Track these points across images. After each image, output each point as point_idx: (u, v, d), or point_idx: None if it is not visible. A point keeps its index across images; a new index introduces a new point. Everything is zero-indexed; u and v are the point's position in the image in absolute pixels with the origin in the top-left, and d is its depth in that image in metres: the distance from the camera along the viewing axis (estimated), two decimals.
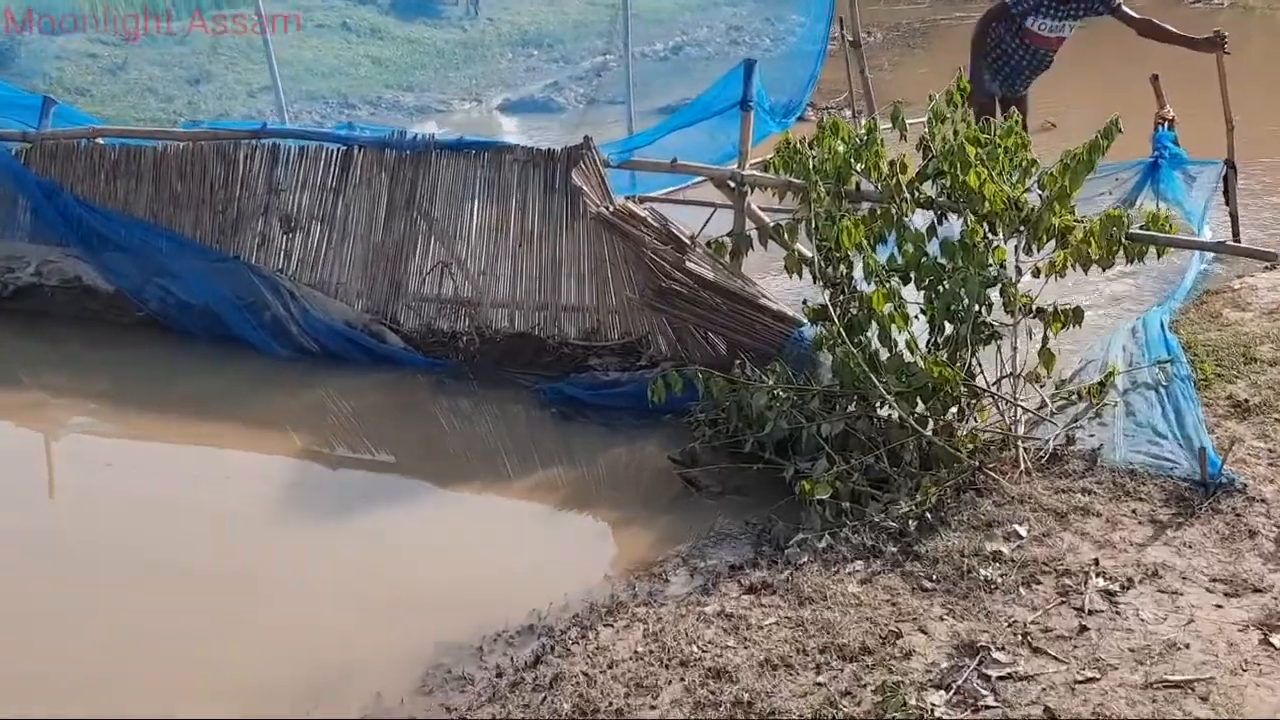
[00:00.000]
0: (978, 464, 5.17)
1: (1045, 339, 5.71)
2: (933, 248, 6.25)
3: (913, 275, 6.20)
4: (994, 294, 6.00)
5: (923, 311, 6.18)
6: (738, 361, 6.61)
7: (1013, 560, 4.52)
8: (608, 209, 6.96)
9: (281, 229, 8.75)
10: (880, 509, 5.23)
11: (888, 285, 5.81)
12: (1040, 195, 6.11)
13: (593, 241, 7.60)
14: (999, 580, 4.37)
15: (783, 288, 7.71)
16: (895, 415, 5.74)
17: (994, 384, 5.76)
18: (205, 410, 7.51)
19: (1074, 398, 5.78)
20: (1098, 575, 4.31)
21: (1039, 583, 4.35)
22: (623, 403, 7.16)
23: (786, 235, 6.80)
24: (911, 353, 5.76)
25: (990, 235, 6.13)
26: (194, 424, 7.40)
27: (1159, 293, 7.76)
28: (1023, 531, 4.69)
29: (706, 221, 7.05)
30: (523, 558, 5.47)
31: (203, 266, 8.85)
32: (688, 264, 6.85)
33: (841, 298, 6.43)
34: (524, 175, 7.90)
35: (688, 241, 6.92)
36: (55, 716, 4.20)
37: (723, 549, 5.49)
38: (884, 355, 5.96)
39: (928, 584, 4.50)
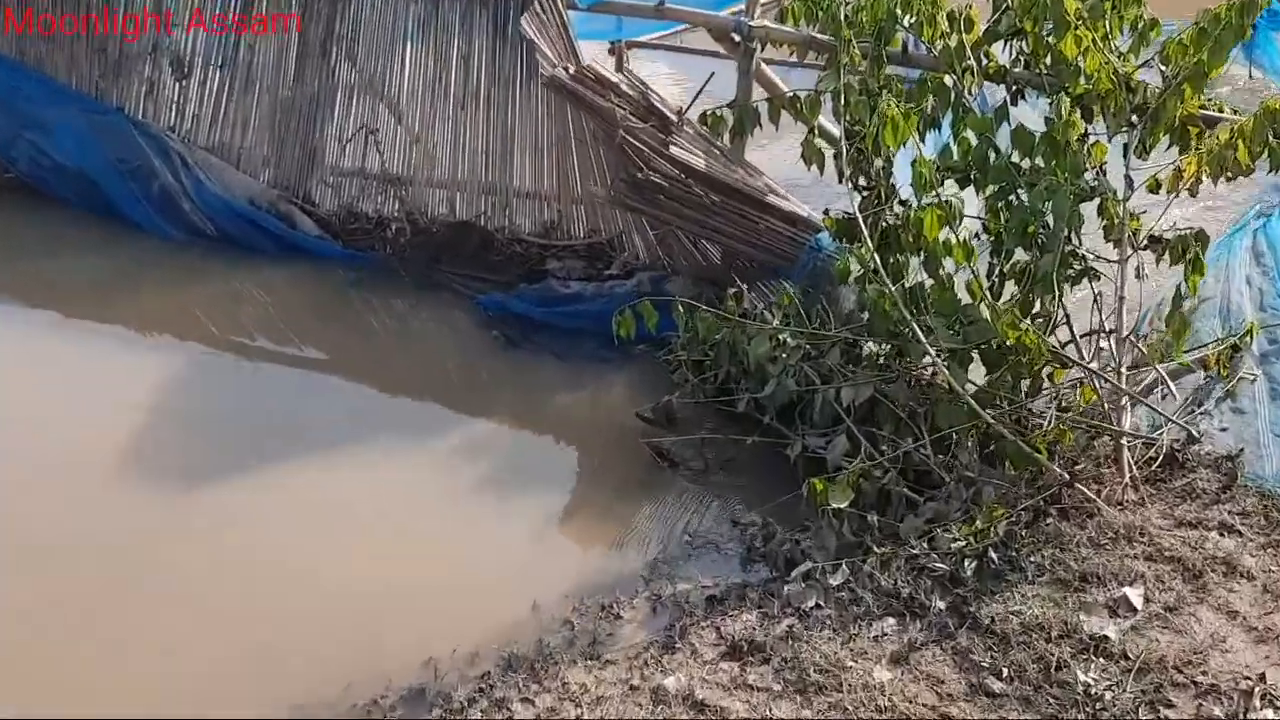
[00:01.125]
0: (1067, 476, 3.63)
1: (1178, 296, 4.05)
2: (1003, 139, 4.54)
3: (974, 177, 4.52)
4: (1089, 211, 4.34)
5: (985, 229, 4.52)
6: (733, 292, 4.98)
7: (1124, 655, 3.02)
8: (567, 70, 5.20)
9: (173, 74, 7.00)
10: (921, 528, 3.72)
11: (941, 198, 4.13)
12: (1163, 72, 4.34)
13: (553, 110, 5.86)
14: (1105, 695, 2.89)
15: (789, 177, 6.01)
16: (943, 380, 4.18)
17: (1089, 348, 4.16)
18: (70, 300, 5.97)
19: (1189, 366, 4.19)
20: (1264, 698, 2.82)
21: (1169, 702, 2.87)
22: (585, 324, 5.58)
23: (805, 110, 5.07)
24: (974, 299, 4.14)
25: (1088, 126, 4.41)
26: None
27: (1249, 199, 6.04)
28: (1137, 600, 3.19)
29: (701, 88, 5.31)
30: (429, 568, 4.01)
31: (81, 120, 7.14)
32: (673, 149, 5.13)
33: (876, 204, 4.76)
34: (468, 15, 6.10)
35: (673, 118, 5.18)
36: (56, 716, 3.37)
37: (700, 563, 4.03)
38: (930, 289, 4.34)
39: (994, 682, 3.03)
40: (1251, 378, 4.08)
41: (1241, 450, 3.75)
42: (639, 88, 5.23)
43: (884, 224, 4.74)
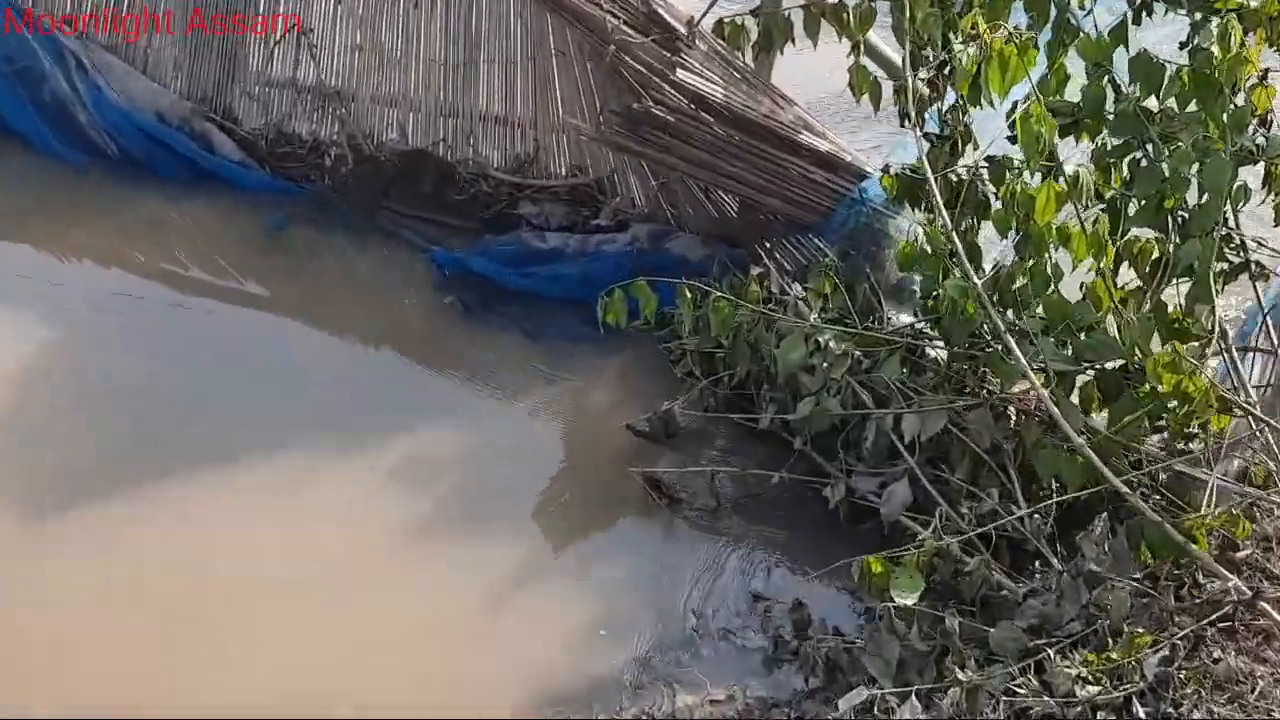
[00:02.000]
0: (1248, 592, 2.53)
1: None
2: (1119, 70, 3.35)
3: (1083, 123, 3.33)
4: (1249, 178, 3.16)
5: (1098, 194, 3.34)
6: (757, 273, 3.83)
7: None
8: None
9: None
10: (1022, 641, 2.64)
11: (1061, 168, 2.95)
12: None
13: (528, 15, 4.59)
14: None
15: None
16: (1043, 412, 3.07)
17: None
18: None
19: None
20: None
21: None
22: (564, 292, 4.42)
23: (855, 23, 3.83)
24: (1095, 303, 3.00)
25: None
26: None
27: None
28: None
29: None
30: (333, 658, 2.94)
31: None
32: (681, 73, 3.91)
33: (950, 155, 3.58)
34: None
35: (682, 30, 3.94)
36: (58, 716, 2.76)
37: (709, 660, 2.99)
38: (1030, 283, 3.19)
39: None
40: None
41: None
42: None
43: (965, 187, 3.58)
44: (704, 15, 4.01)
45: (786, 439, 3.54)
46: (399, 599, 3.15)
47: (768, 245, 4.46)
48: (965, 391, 3.36)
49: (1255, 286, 3.17)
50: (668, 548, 3.33)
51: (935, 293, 3.33)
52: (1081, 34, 3.38)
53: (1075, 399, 3.11)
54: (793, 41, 4.11)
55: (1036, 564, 2.95)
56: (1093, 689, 2.41)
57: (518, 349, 4.21)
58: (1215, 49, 3.04)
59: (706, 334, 3.71)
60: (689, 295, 3.52)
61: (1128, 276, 3.27)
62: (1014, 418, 3.24)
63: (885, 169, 3.69)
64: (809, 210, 4.26)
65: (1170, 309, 3.11)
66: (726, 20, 4.05)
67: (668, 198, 4.54)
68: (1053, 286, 3.08)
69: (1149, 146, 3.20)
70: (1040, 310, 3.13)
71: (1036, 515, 2.99)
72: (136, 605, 3.11)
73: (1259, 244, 3.17)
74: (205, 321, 4.43)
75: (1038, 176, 3.01)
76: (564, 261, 4.49)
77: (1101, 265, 2.92)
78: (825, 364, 3.29)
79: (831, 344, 3.33)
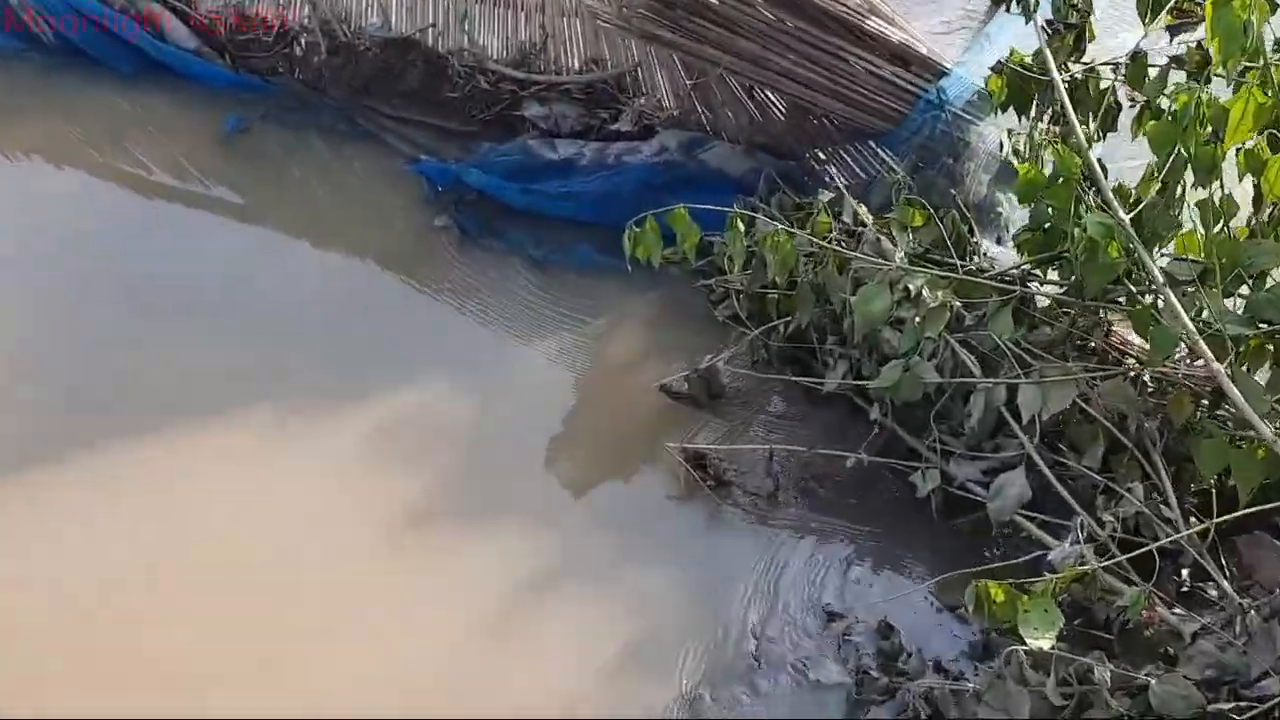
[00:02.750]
0: None
1: None
2: None
3: None
4: None
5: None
6: (828, 199, 3.09)
7: None
8: None
9: None
10: (1193, 699, 2.01)
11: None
12: None
13: None
14: None
15: None
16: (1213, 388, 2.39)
17: None
18: None
19: None
20: None
21: None
22: (578, 212, 3.70)
23: None
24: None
25: None
26: None
27: None
28: None
29: None
30: (315, 675, 2.33)
31: None
32: None
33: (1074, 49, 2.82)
34: None
35: None
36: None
37: (774, 699, 2.34)
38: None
39: None
40: None
41: None
42: None
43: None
44: None
45: (859, 405, 2.87)
46: (384, 618, 2.52)
47: (823, 158, 3.74)
48: (1093, 354, 2.68)
49: None
50: (716, 545, 2.67)
51: (1058, 228, 2.62)
52: None
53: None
54: None
55: (1191, 586, 2.31)
56: None
57: (524, 283, 3.49)
58: None
59: (760, 270, 3.00)
60: (739, 226, 2.80)
61: None
62: (1156, 391, 2.55)
63: (1000, 66, 2.92)
64: (875, 114, 3.52)
65: None
66: None
67: (703, 98, 3.78)
68: (1222, 223, 2.36)
69: None
70: (1200, 254, 2.42)
71: (1196, 521, 2.33)
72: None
73: None
74: (162, 244, 3.71)
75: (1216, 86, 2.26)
76: (578, 175, 3.75)
77: None
78: (917, 318, 2.59)
79: (925, 292, 2.62)
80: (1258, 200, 2.43)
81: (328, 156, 4.12)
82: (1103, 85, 2.78)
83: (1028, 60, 2.88)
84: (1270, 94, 2.16)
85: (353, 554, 2.67)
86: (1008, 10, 2.98)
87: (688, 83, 3.75)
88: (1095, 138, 2.83)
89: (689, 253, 2.82)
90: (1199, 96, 2.19)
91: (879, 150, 3.63)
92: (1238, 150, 2.25)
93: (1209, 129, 2.23)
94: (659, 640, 2.47)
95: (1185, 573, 2.38)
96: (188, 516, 2.75)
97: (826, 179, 3.72)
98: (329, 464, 2.89)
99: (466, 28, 4.18)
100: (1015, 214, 3.79)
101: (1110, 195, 2.39)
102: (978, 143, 3.63)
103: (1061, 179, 2.48)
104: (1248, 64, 2.16)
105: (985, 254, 3.06)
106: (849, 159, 3.73)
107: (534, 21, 4.07)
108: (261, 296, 3.47)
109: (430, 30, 4.21)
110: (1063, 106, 2.52)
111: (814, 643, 2.44)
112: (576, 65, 4.04)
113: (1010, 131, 3.50)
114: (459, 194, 3.79)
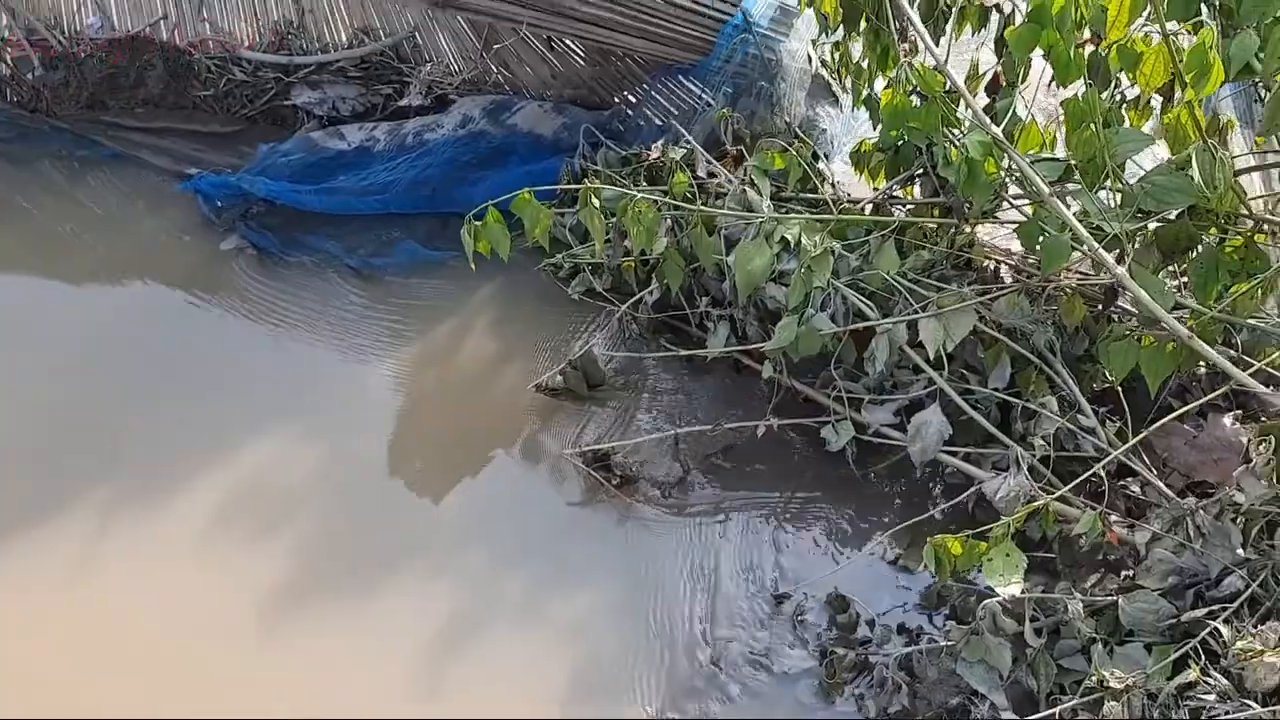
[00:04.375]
0: None
1: None
2: None
3: None
4: None
5: None
6: (680, 152, 2.87)
7: None
8: None
9: None
10: (1167, 613, 2.00)
11: None
12: None
13: None
14: None
15: None
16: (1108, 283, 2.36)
17: None
18: None
19: None
20: None
21: None
22: (387, 205, 3.34)
23: None
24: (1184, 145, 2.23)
25: None
26: None
27: None
28: None
29: None
30: None
31: None
32: None
33: None
34: None
35: None
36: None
37: (742, 697, 2.20)
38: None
39: None
40: None
41: None
42: None
43: None
44: None
45: (746, 365, 2.72)
46: (289, 708, 2.19)
47: (635, 100, 3.52)
48: (969, 268, 2.62)
49: None
50: (636, 550, 2.47)
51: (912, 147, 2.51)
52: None
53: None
54: None
55: (1126, 493, 2.30)
56: None
57: (348, 297, 3.13)
58: None
59: (619, 243, 2.77)
60: (594, 202, 2.54)
61: None
62: (1044, 298, 2.51)
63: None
64: (682, 46, 3.33)
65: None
66: None
67: (497, 57, 3.46)
68: (1090, 123, 2.30)
69: None
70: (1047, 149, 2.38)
71: (1112, 424, 2.32)
72: None
73: None
74: None
75: None
76: (377, 163, 3.38)
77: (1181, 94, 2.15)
78: (802, 268, 2.43)
79: (804, 240, 2.46)
80: None
81: (69, 189, 3.56)
82: None
83: None
84: None
85: (228, 646, 2.32)
86: None
87: (471, 33, 3.42)
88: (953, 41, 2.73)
89: (541, 239, 2.55)
90: None
91: (692, 84, 3.45)
92: (1111, 46, 2.18)
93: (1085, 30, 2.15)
94: (603, 670, 2.27)
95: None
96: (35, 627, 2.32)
97: (642, 123, 3.53)
98: (179, 549, 2.50)
99: (205, 14, 3.68)
100: (836, 128, 3.71)
101: (981, 112, 2.29)
102: (788, 61, 3.50)
103: (926, 101, 2.36)
104: None
105: (837, 183, 2.95)
106: (662, 98, 3.54)
107: None
108: (40, 363, 2.97)
109: (162, 23, 3.68)
110: (911, 20, 2.38)
111: (768, 632, 2.30)
112: (344, 39, 3.63)
113: (815, 42, 3.39)
114: (244, 207, 3.36)
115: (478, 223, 2.55)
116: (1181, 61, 2.06)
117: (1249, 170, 2.44)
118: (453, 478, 2.65)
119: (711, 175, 2.82)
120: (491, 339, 2.96)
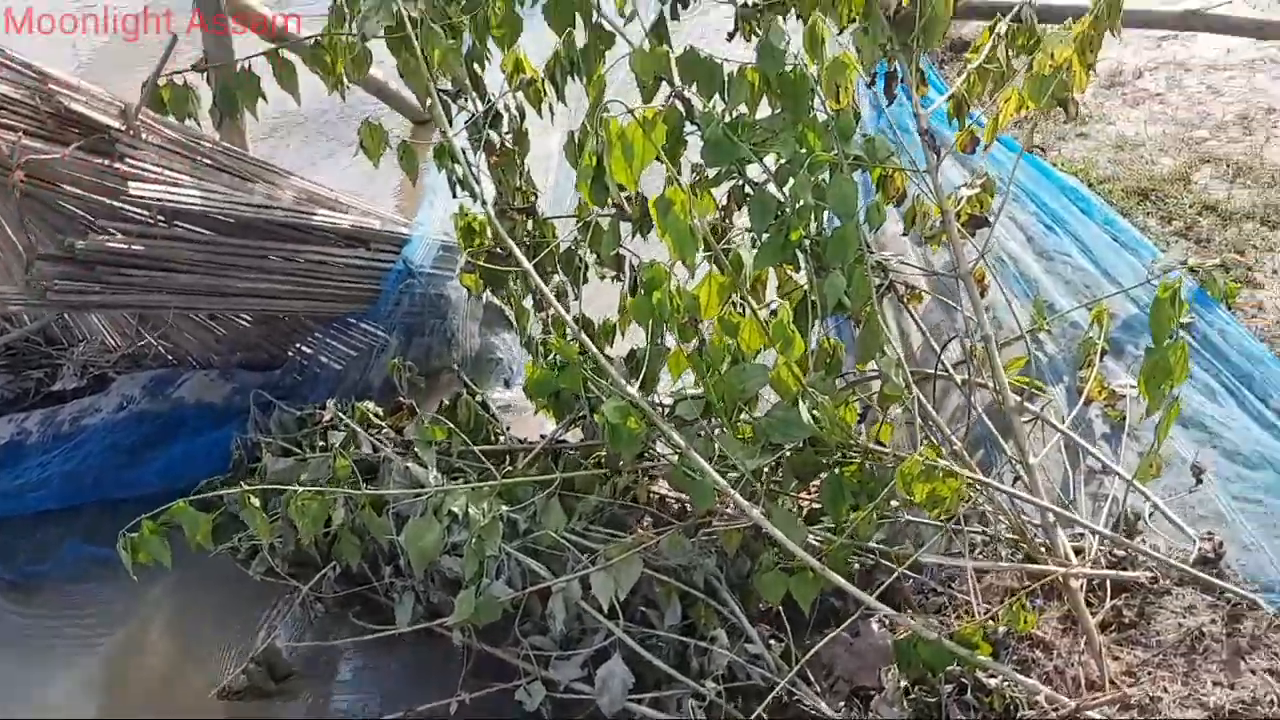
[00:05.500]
0: (1069, 706, 2.18)
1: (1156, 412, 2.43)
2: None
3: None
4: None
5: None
6: (338, 431, 2.88)
7: None
8: None
9: None
10: None
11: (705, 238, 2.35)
12: None
13: None
14: None
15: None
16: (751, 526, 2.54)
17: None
18: None
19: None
20: None
21: None
22: (44, 502, 3.16)
23: (347, 63, 2.97)
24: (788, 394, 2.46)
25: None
26: None
27: None
28: None
29: (163, 61, 2.87)
30: None
31: None
32: (133, 187, 2.78)
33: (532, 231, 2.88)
34: None
35: (118, 126, 2.80)
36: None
37: None
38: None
39: None
40: (1127, 390, 2.90)
41: (1215, 541, 2.56)
42: (32, 77, 2.75)
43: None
44: (147, 93, 2.86)
45: (438, 632, 2.72)
46: None
47: (309, 351, 3.53)
48: (636, 504, 2.77)
49: (910, 310, 2.86)
50: None
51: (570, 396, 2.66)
52: (634, 47, 2.80)
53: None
54: (264, 99, 3.16)
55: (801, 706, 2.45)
56: None
57: (4, 615, 2.90)
58: (803, 54, 2.59)
59: (290, 531, 2.74)
60: (253, 503, 2.51)
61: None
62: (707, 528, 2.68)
63: (470, 264, 2.89)
64: (348, 300, 3.40)
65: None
66: (162, 83, 2.96)
67: (156, 329, 3.39)
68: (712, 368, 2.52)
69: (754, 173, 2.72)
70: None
71: (777, 643, 2.49)
72: None
73: (897, 259, 2.83)
74: None
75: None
76: (31, 459, 3.20)
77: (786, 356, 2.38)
78: (472, 539, 2.49)
79: (471, 510, 2.53)
80: None
81: None
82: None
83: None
84: (727, 273, 2.34)
85: None
86: (453, 194, 2.96)
87: (131, 320, 3.34)
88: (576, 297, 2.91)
89: (205, 542, 2.49)
90: (669, 288, 2.30)
91: (368, 324, 3.51)
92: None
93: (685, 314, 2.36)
94: None
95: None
96: None
97: (319, 370, 3.54)
98: None
99: None
100: (515, 354, 3.85)
101: (617, 376, 2.46)
102: (457, 296, 3.63)
103: (567, 367, 2.51)
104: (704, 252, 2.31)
105: (508, 432, 3.06)
106: (338, 342, 3.57)
107: None
108: None
109: None
110: (545, 300, 2.54)
111: None
112: None
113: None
114: None
115: (134, 536, 2.47)
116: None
117: (850, 397, 2.70)
118: None
119: (377, 449, 2.85)
120: (171, 640, 2.83)
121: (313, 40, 2.98)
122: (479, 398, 3.07)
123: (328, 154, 4.82)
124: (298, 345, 3.54)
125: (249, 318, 3.40)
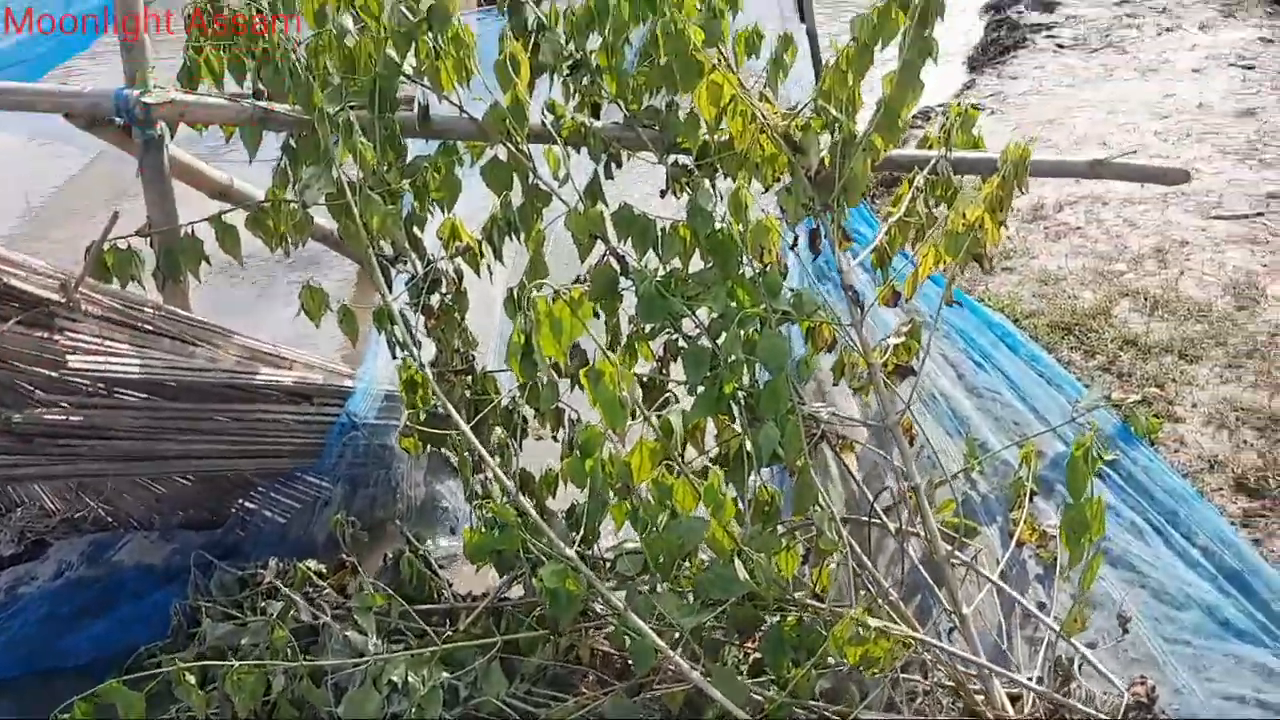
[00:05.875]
0: None
1: (1078, 560, 2.49)
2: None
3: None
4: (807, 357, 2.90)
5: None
6: (278, 603, 2.87)
7: None
8: None
9: None
10: None
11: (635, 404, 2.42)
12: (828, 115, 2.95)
13: None
14: None
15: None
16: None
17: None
18: None
19: None
20: None
21: None
22: None
23: (287, 225, 3.07)
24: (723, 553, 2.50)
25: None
26: None
27: None
28: None
29: (107, 230, 2.91)
30: None
31: None
32: (73, 360, 2.80)
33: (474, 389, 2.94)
34: None
35: (57, 298, 2.83)
36: None
37: None
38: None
39: None
40: (1057, 531, 2.96)
41: (1148, 687, 2.60)
42: None
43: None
44: (90, 263, 2.91)
45: None
46: None
47: (252, 507, 3.52)
48: (579, 662, 2.76)
49: (843, 461, 2.92)
50: None
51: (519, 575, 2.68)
52: (569, 208, 2.91)
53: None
54: (208, 262, 3.24)
55: None
56: None
57: None
58: (729, 215, 2.71)
59: (227, 705, 2.70)
60: (189, 679, 2.48)
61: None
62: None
63: (407, 429, 2.93)
64: (290, 455, 3.41)
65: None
66: (107, 249, 3.02)
67: (95, 492, 3.38)
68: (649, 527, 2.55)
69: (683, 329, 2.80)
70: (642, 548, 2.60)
71: None
72: None
73: (830, 411, 2.91)
74: None
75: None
76: None
77: (718, 515, 2.43)
78: (412, 709, 2.47)
79: (410, 678, 2.51)
80: None
81: None
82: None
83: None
84: (658, 440, 2.39)
85: None
86: (393, 355, 3.02)
87: (70, 483, 3.33)
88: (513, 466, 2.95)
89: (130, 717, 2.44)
90: (603, 456, 2.35)
91: (312, 476, 3.51)
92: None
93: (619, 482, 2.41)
94: None
95: None
96: None
97: (262, 524, 3.52)
98: None
99: None
100: (460, 501, 3.86)
101: (555, 538, 2.48)
102: (396, 443, 3.65)
103: (505, 528, 2.53)
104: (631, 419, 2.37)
105: (452, 588, 3.06)
106: (281, 495, 3.56)
107: None
108: None
109: None
110: (484, 461, 2.58)
111: None
112: None
113: None
114: None
115: (65, 716, 2.43)
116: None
117: (791, 542, 2.73)
118: None
119: (317, 617, 2.83)
120: None
121: (255, 205, 3.08)
122: (421, 553, 3.07)
123: (278, 287, 4.90)
124: (240, 501, 3.53)
125: (191, 477, 3.39)
